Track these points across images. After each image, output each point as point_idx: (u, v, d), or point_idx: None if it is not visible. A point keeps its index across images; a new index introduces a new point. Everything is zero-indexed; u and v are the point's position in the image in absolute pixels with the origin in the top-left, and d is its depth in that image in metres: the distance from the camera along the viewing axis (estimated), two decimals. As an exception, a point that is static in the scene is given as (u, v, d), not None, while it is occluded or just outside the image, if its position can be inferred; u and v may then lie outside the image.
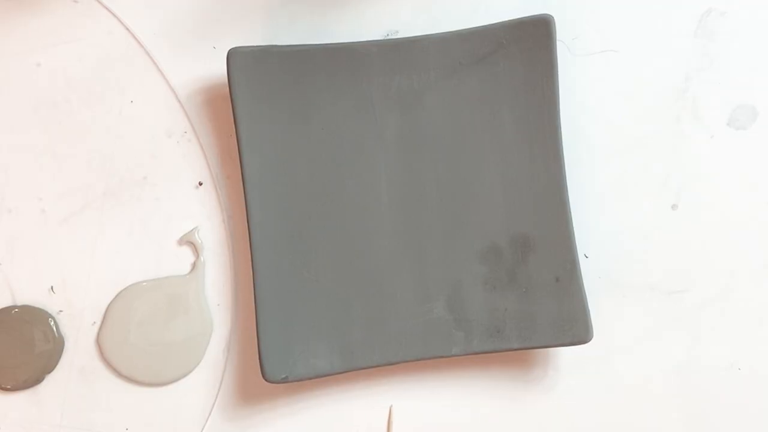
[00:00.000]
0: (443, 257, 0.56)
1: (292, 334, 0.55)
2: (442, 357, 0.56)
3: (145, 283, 0.58)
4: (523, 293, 0.56)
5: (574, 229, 0.56)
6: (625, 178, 0.58)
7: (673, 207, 0.58)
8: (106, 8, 0.59)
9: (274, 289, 0.55)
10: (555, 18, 0.55)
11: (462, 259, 0.56)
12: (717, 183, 0.58)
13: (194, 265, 0.59)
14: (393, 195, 0.57)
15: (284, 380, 0.55)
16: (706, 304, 0.58)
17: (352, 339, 0.56)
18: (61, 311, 0.58)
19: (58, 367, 0.58)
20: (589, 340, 0.55)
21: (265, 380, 0.55)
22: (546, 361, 0.58)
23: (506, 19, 0.56)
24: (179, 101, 0.59)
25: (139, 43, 0.59)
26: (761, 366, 0.58)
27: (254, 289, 0.55)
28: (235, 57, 0.55)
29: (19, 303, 0.58)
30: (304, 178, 0.56)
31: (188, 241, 0.59)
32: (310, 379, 0.55)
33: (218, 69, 0.57)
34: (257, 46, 0.55)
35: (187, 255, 0.59)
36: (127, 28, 0.59)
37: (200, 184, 0.59)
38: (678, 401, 0.58)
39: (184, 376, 0.58)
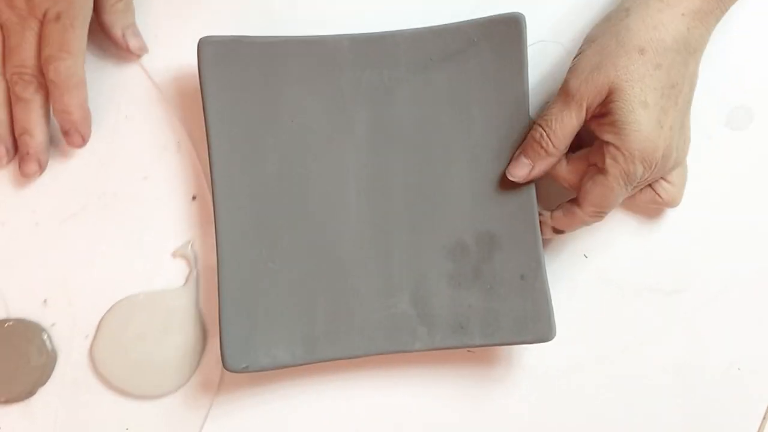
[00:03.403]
0: (409, 252, 0.56)
1: (254, 324, 0.55)
2: (405, 351, 0.56)
3: (138, 296, 0.58)
4: (487, 290, 0.56)
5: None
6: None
7: None
8: (101, 23, 0.60)
9: (238, 279, 0.55)
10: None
11: (428, 254, 0.56)
12: (715, 182, 0.59)
13: (188, 278, 0.59)
14: (361, 189, 0.57)
15: (245, 370, 0.54)
16: (705, 304, 0.58)
17: (315, 331, 0.56)
18: (54, 324, 0.58)
19: (51, 379, 0.58)
20: (551, 338, 0.55)
21: (226, 369, 0.54)
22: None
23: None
24: (175, 115, 0.59)
25: (134, 56, 0.60)
26: (761, 366, 0.58)
27: (218, 278, 0.55)
28: (205, 46, 0.55)
29: (13, 316, 0.58)
30: (273, 169, 0.56)
31: (182, 254, 0.59)
32: (271, 369, 0.55)
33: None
34: (228, 36, 0.56)
35: (181, 268, 0.59)
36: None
37: (194, 197, 0.59)
38: (678, 401, 0.58)
39: (178, 388, 0.58)
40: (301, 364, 0.55)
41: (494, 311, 0.55)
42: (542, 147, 0.53)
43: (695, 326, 0.58)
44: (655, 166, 0.51)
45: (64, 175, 0.59)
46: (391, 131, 0.57)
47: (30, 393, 0.58)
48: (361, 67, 0.56)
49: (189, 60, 0.58)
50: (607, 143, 0.51)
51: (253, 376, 0.58)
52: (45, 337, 0.58)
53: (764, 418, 0.58)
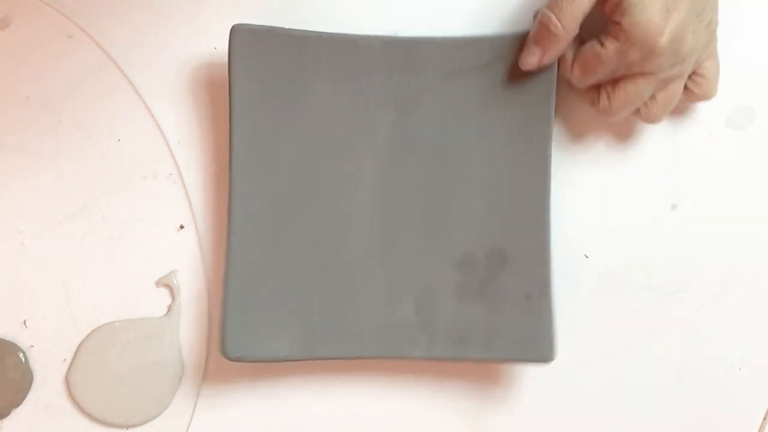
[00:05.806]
0: (418, 259, 0.56)
1: (257, 314, 0.55)
2: (403, 358, 0.55)
3: (118, 324, 0.58)
4: (492, 306, 0.55)
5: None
6: (625, 178, 0.58)
7: (673, 207, 0.58)
8: (99, 46, 0.59)
9: (245, 268, 0.55)
10: None
11: (436, 264, 0.56)
12: (716, 183, 0.58)
13: (170, 308, 0.58)
14: (375, 192, 0.56)
15: (242, 359, 0.54)
16: (706, 304, 0.58)
17: (316, 328, 0.55)
18: (32, 346, 0.58)
19: (24, 402, 0.58)
20: (552, 360, 0.54)
21: (223, 356, 0.54)
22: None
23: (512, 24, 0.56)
24: (167, 143, 0.59)
25: (129, 81, 0.59)
26: (761, 366, 0.58)
27: (226, 265, 0.55)
28: (237, 33, 0.55)
29: (-9, 335, 0.58)
30: (290, 163, 0.56)
31: (165, 283, 0.58)
32: (268, 361, 0.55)
33: (208, 112, 0.58)
34: (261, 25, 0.55)
35: (164, 297, 0.58)
36: (119, 67, 0.59)
37: (182, 227, 0.59)
38: (677, 401, 0.58)
39: (152, 419, 0.58)
40: (299, 359, 0.55)
41: (496, 328, 0.55)
42: (550, 30, 0.52)
43: (695, 326, 0.58)
44: (660, 52, 0.51)
45: (52, 196, 0.59)
46: (412, 137, 0.56)
47: (3, 415, 0.58)
48: (389, 70, 0.56)
49: (188, 94, 0.58)
50: (613, 22, 0.51)
51: (238, 391, 0.58)
52: (21, 356, 0.58)
53: (764, 418, 0.58)
